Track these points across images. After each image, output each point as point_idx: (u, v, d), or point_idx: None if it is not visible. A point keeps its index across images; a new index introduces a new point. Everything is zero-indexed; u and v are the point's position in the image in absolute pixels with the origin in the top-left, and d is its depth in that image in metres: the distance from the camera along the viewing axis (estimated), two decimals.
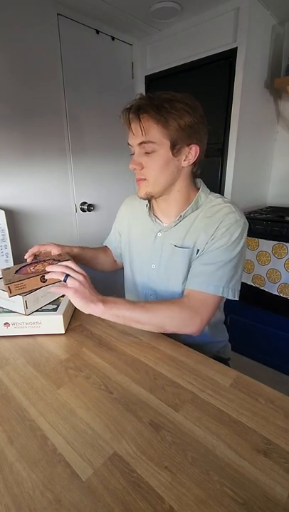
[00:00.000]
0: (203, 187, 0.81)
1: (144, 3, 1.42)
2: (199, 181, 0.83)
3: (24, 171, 1.43)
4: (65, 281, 0.68)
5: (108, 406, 0.54)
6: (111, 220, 1.05)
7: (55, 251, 0.89)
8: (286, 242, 1.49)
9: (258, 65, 1.59)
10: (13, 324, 0.74)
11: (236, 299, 0.74)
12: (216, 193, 0.82)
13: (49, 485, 0.41)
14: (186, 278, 0.79)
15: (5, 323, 0.74)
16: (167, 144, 0.70)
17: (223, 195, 1.53)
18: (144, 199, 0.80)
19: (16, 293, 0.70)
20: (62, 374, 0.62)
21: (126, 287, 1.00)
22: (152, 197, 0.78)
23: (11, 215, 1.41)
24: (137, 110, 0.69)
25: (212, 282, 0.71)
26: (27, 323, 0.75)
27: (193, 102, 0.70)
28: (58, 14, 1.41)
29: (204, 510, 0.38)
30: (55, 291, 0.71)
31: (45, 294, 0.79)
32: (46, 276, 0.71)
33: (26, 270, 0.74)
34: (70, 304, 0.83)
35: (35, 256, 0.88)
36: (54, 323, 0.75)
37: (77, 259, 0.96)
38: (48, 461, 0.44)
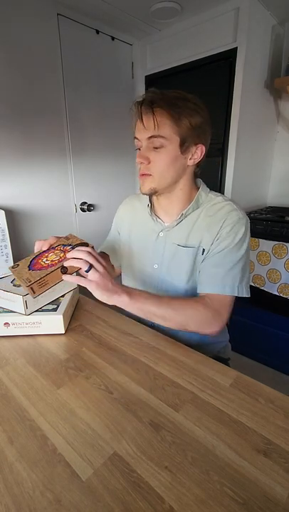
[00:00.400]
0: (203, 186, 0.82)
1: (144, 3, 1.42)
2: (199, 181, 0.83)
3: (24, 171, 1.43)
4: (87, 271, 0.62)
5: (108, 406, 0.54)
6: (111, 220, 1.05)
7: None
8: (286, 242, 1.49)
9: (258, 65, 1.59)
10: (13, 324, 0.74)
11: (249, 295, 0.76)
12: (217, 192, 0.83)
13: (49, 485, 0.41)
14: (190, 277, 0.79)
15: (5, 323, 0.74)
16: (177, 140, 0.70)
17: (223, 194, 1.52)
18: (148, 194, 0.80)
19: (40, 292, 0.63)
20: (62, 374, 0.62)
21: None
22: (156, 193, 0.77)
23: (11, 215, 1.41)
24: (151, 103, 0.69)
25: (227, 283, 0.73)
26: (27, 323, 0.74)
27: (201, 102, 0.71)
28: (58, 14, 1.41)
29: (204, 510, 0.38)
30: (74, 281, 0.64)
31: (45, 294, 0.79)
32: (66, 264, 0.63)
33: (39, 264, 0.66)
34: (70, 303, 0.83)
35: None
36: (54, 323, 0.75)
37: None
38: (48, 461, 0.44)
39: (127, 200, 1.00)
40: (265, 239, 1.54)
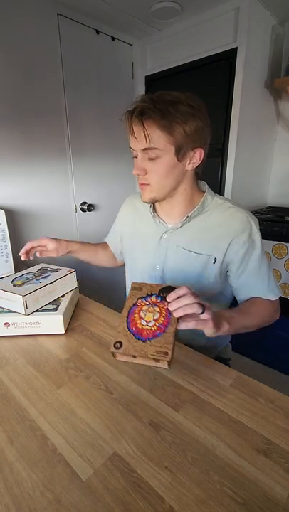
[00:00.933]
0: (208, 189, 0.81)
1: (144, 3, 1.42)
2: (204, 184, 0.82)
3: (24, 171, 1.43)
4: (202, 313, 0.57)
5: (108, 406, 0.54)
6: (111, 220, 1.05)
7: (50, 245, 0.89)
8: (286, 242, 1.49)
9: (258, 65, 1.59)
10: (13, 324, 0.74)
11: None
12: (216, 193, 0.83)
13: (49, 485, 0.41)
14: (198, 282, 0.80)
15: (5, 323, 0.74)
16: (172, 149, 0.69)
17: (223, 195, 1.53)
18: (148, 203, 0.80)
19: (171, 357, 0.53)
20: (62, 374, 0.62)
21: (128, 287, 1.00)
22: (156, 201, 0.78)
23: (11, 215, 1.41)
24: (140, 115, 0.66)
25: (269, 291, 0.79)
26: (27, 323, 0.75)
27: (198, 103, 0.68)
28: (58, 14, 1.41)
29: (204, 510, 0.38)
30: (192, 326, 0.57)
31: (45, 294, 0.79)
32: (178, 315, 0.56)
33: (143, 329, 0.57)
34: (70, 303, 0.83)
35: (27, 252, 0.89)
36: (54, 323, 0.75)
37: (76, 254, 0.97)
38: (48, 461, 0.44)
39: (128, 200, 0.99)
40: (265, 239, 1.54)
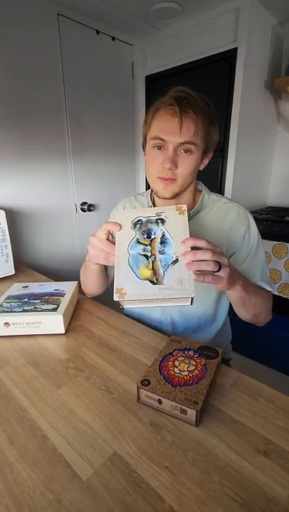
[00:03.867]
0: (205, 188, 0.83)
1: (144, 4, 1.42)
2: (200, 183, 0.84)
3: (24, 171, 1.43)
4: (217, 271, 0.55)
5: (108, 406, 0.54)
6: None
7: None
8: (286, 242, 1.49)
9: (258, 65, 1.59)
10: (13, 324, 0.74)
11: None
12: (216, 193, 0.84)
13: (49, 485, 0.41)
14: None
15: (5, 323, 0.74)
16: (202, 147, 0.71)
17: (223, 195, 1.54)
18: (169, 199, 0.75)
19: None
20: (62, 374, 0.62)
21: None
22: (176, 197, 0.76)
23: (11, 215, 1.41)
24: (191, 106, 0.66)
25: (263, 281, 0.79)
26: (27, 323, 0.75)
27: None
28: (58, 14, 1.41)
29: (204, 511, 0.38)
30: (206, 282, 0.56)
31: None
32: (191, 268, 0.54)
33: (175, 376, 0.56)
34: (70, 303, 0.83)
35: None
36: (54, 323, 0.75)
37: (100, 272, 0.84)
38: (48, 461, 0.44)
39: (125, 201, 0.95)
40: (265, 239, 1.54)
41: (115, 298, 0.54)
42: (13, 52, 1.28)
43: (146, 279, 0.55)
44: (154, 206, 0.85)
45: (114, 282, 0.55)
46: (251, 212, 0.82)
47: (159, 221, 0.61)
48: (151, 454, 0.45)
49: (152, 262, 0.56)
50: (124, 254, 0.58)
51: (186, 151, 0.69)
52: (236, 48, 1.47)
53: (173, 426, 0.50)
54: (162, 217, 0.61)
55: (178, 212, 0.61)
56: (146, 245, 0.58)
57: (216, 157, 1.67)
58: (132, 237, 0.60)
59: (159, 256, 0.57)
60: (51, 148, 1.51)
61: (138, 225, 0.61)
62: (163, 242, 0.58)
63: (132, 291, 0.54)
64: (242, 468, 0.43)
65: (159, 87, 1.83)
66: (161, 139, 0.69)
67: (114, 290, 0.54)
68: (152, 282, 0.54)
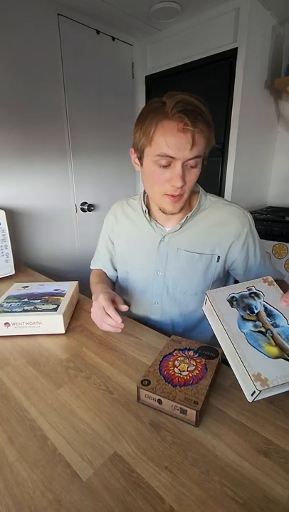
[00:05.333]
0: (201, 189, 0.82)
1: (145, 4, 1.42)
2: (196, 185, 0.82)
3: (25, 171, 1.43)
4: None
5: (108, 406, 0.54)
6: None
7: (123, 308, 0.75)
8: (286, 242, 1.49)
9: (258, 65, 1.59)
10: (14, 324, 0.74)
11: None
12: (216, 193, 0.84)
13: (49, 485, 0.41)
14: (202, 282, 0.80)
15: (5, 323, 0.74)
16: (202, 158, 0.69)
17: (223, 195, 1.53)
18: (176, 213, 0.75)
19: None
20: (62, 374, 0.62)
21: (124, 295, 0.95)
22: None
23: (11, 215, 1.41)
24: (205, 122, 0.62)
25: (276, 272, 0.85)
26: (27, 323, 0.75)
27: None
28: (58, 14, 1.41)
29: (204, 511, 0.38)
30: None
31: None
32: None
33: (175, 376, 0.56)
34: (70, 303, 0.83)
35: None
36: (54, 323, 0.75)
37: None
38: (48, 461, 0.44)
39: (116, 209, 0.94)
40: (265, 239, 1.54)
41: (258, 387, 0.45)
42: (13, 52, 1.28)
43: (278, 357, 0.49)
44: (149, 211, 0.83)
45: (244, 369, 0.47)
46: (251, 213, 0.82)
47: (253, 295, 0.59)
48: (151, 454, 0.45)
49: (271, 337, 0.52)
50: (238, 334, 0.52)
51: (192, 166, 0.67)
52: (236, 48, 1.46)
53: (173, 426, 0.50)
54: (255, 291, 0.60)
55: (267, 284, 0.62)
56: (254, 321, 0.55)
57: (216, 157, 1.67)
58: (235, 315, 0.56)
59: (274, 330, 0.53)
60: (51, 148, 1.51)
61: (234, 302, 0.58)
62: (269, 315, 0.56)
63: (272, 374, 0.47)
64: (242, 468, 0.43)
65: (159, 87, 1.83)
66: (170, 157, 0.64)
67: (251, 377, 0.46)
68: (286, 359, 0.49)
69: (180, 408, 0.50)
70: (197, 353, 0.62)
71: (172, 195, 0.70)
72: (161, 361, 0.60)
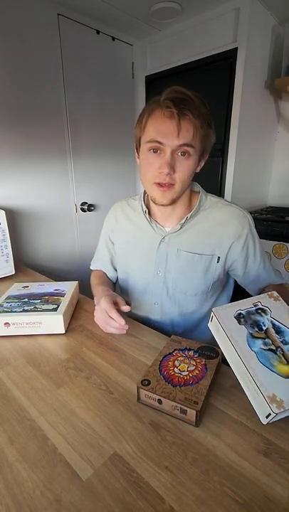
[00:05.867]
0: (202, 189, 0.82)
1: (145, 4, 1.42)
2: (196, 185, 0.83)
3: (25, 171, 1.43)
4: None
5: (108, 406, 0.54)
6: None
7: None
8: (286, 242, 1.49)
9: (258, 65, 1.59)
10: (14, 324, 0.74)
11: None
12: (216, 194, 0.84)
13: (49, 485, 0.41)
14: (202, 283, 0.80)
15: (5, 323, 0.74)
16: (199, 149, 0.69)
17: (223, 195, 1.53)
18: (167, 205, 0.75)
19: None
20: (62, 374, 0.62)
21: (124, 295, 0.95)
22: (174, 202, 0.75)
23: (11, 215, 1.41)
24: (188, 108, 0.63)
25: (276, 275, 0.86)
26: (27, 323, 0.75)
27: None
28: (58, 14, 1.41)
29: (204, 511, 0.38)
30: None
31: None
32: None
33: (175, 376, 0.56)
34: (70, 303, 0.83)
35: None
36: (54, 323, 0.75)
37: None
38: (48, 461, 0.44)
39: (116, 209, 0.94)
40: (265, 239, 1.54)
41: (274, 410, 0.44)
42: (13, 52, 1.28)
43: None
44: (149, 211, 0.82)
45: (257, 389, 0.47)
46: (251, 213, 0.83)
47: (260, 311, 0.59)
48: (151, 454, 0.45)
49: (282, 354, 0.52)
50: (248, 353, 0.51)
51: (183, 154, 0.67)
52: (236, 48, 1.46)
53: (173, 426, 0.50)
54: (261, 307, 0.60)
55: (272, 299, 0.61)
56: (263, 339, 0.54)
57: (216, 157, 1.67)
58: (244, 333, 0.55)
59: (284, 347, 0.53)
60: (51, 148, 1.51)
61: (242, 319, 0.57)
62: (278, 331, 0.55)
63: (287, 395, 0.46)
64: (242, 468, 0.43)
65: (159, 87, 1.81)
66: (158, 142, 0.66)
67: (266, 399, 0.45)
68: None
69: (180, 408, 0.50)
70: (197, 353, 0.62)
71: (161, 184, 0.70)
72: (161, 361, 0.60)
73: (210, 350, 0.63)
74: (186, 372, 0.57)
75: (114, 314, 0.68)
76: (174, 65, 1.72)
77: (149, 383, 0.54)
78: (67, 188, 1.64)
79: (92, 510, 0.38)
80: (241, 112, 1.55)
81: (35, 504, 0.39)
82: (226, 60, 1.53)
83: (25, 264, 1.40)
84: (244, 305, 0.60)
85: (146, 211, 0.82)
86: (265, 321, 0.57)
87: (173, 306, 0.84)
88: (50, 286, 0.92)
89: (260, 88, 1.66)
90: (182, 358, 0.61)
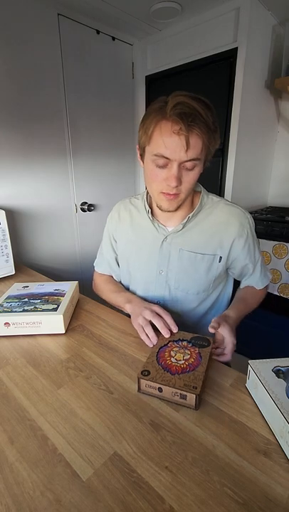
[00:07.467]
0: (203, 189, 0.83)
1: (145, 4, 1.42)
2: (198, 184, 0.82)
3: (25, 171, 1.43)
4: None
5: (108, 406, 0.54)
6: None
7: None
8: (286, 242, 1.49)
9: (258, 65, 1.59)
10: (14, 324, 0.74)
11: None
12: (216, 193, 0.84)
13: (49, 485, 0.41)
14: (204, 282, 0.81)
15: (5, 323, 0.74)
16: (205, 157, 0.69)
17: (223, 195, 1.53)
18: (173, 211, 0.76)
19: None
20: (62, 374, 0.62)
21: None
22: (179, 208, 0.76)
23: (11, 215, 1.41)
24: (201, 124, 0.62)
25: (262, 280, 0.89)
26: (27, 323, 0.75)
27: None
28: (58, 14, 1.41)
29: (204, 511, 0.38)
30: (227, 359, 0.68)
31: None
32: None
33: (172, 365, 0.59)
34: (70, 303, 0.83)
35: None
36: (54, 323, 0.75)
37: None
38: (48, 461, 0.44)
39: (121, 206, 0.93)
40: (265, 239, 1.54)
41: None
42: (13, 52, 1.28)
43: None
44: (152, 210, 0.83)
45: None
46: (251, 213, 0.83)
47: None
48: (151, 454, 0.45)
49: None
50: (287, 404, 0.47)
51: (189, 169, 0.67)
52: (236, 48, 1.46)
53: (173, 426, 0.50)
54: None
55: None
56: None
57: (216, 157, 1.67)
58: (283, 386, 0.52)
59: None
60: (51, 148, 1.51)
61: (281, 375, 0.54)
62: None
63: None
64: (242, 468, 0.43)
65: (159, 87, 1.83)
66: (165, 158, 0.65)
67: None
68: None
69: (180, 394, 0.53)
70: (190, 343, 0.66)
71: (168, 194, 0.71)
72: (157, 353, 0.63)
73: (202, 339, 0.67)
74: (183, 361, 0.60)
75: (169, 319, 0.71)
76: (174, 65, 1.72)
77: (149, 373, 0.56)
78: (67, 187, 1.64)
79: (92, 510, 0.38)
80: (241, 111, 1.55)
81: (35, 504, 0.39)
82: (226, 60, 1.53)
83: (25, 264, 1.39)
84: (284, 363, 0.59)
85: (149, 211, 0.82)
86: None
87: (175, 305, 0.85)
88: (50, 286, 0.92)
89: (260, 88, 1.66)
90: (177, 349, 0.64)
